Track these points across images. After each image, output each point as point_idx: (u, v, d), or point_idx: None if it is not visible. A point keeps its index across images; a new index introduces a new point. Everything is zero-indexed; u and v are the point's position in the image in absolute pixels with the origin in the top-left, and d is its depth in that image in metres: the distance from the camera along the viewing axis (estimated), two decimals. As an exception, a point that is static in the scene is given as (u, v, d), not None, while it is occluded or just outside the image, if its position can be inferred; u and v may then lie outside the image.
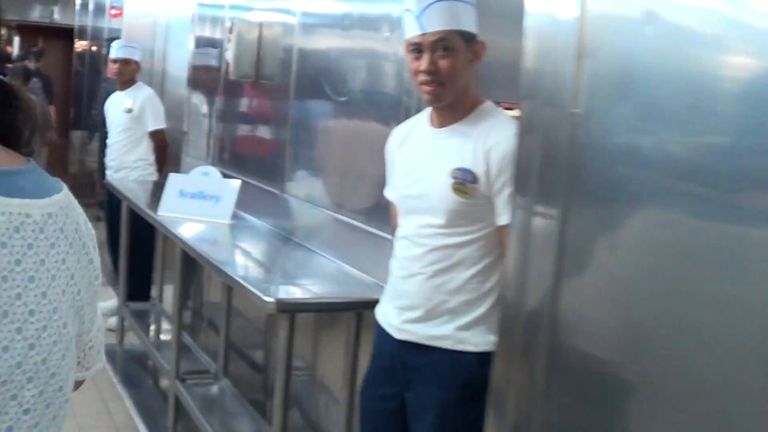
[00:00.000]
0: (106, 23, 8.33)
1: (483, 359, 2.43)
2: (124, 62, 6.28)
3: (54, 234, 1.03)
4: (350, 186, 3.76)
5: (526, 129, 1.90)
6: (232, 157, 5.17)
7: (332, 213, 3.81)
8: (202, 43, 5.87)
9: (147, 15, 7.47)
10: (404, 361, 2.67)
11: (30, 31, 13.90)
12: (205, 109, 5.78)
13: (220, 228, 4.38)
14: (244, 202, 4.50)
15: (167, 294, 5.99)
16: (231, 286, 4.41)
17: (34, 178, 1.04)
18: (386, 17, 3.48)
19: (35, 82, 10.24)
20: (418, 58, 2.54)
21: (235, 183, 4.48)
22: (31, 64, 10.41)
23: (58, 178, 1.11)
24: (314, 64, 4.13)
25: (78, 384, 1.19)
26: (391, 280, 2.76)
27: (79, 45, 10.29)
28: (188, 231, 4.30)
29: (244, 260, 3.95)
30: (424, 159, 2.66)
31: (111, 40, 7.74)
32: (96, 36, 9.10)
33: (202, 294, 5.44)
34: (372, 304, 2.90)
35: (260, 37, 4.66)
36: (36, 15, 12.23)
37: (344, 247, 3.68)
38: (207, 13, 5.79)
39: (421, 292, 2.62)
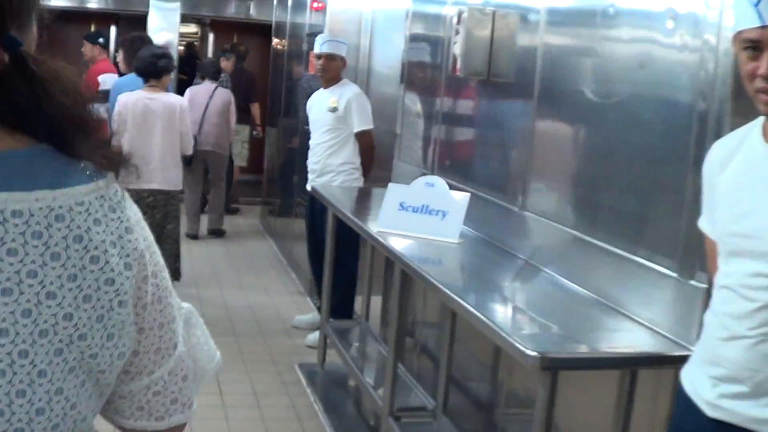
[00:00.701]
0: (307, 18, 7.95)
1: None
2: (329, 58, 5.82)
3: (17, 236, 0.85)
4: (611, 206, 3.13)
5: None
6: (456, 165, 4.60)
7: (587, 237, 3.19)
8: (419, 37, 5.33)
9: (351, 9, 7.01)
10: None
11: (224, 28, 13.86)
12: (420, 109, 5.24)
13: (446, 248, 3.82)
14: (472, 217, 3.93)
15: (374, 310, 5.51)
16: (455, 311, 3.85)
17: (25, 163, 0.89)
18: (666, 4, 2.82)
19: (224, 80, 10.01)
20: (754, 58, 1.90)
21: (464, 196, 3.91)
22: (227, 63, 10.20)
23: (91, 166, 0.98)
24: (565, 60, 3.51)
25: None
26: (706, 340, 2.14)
27: (277, 41, 10.00)
28: (411, 251, 3.77)
29: (480, 290, 3.37)
30: (758, 186, 2.02)
31: (312, 35, 7.35)
32: (295, 32, 8.74)
33: (415, 315, 4.89)
34: (649, 360, 2.36)
35: (493, 30, 4.08)
36: (231, 11, 12.07)
37: (602, 279, 3.04)
38: (426, 5, 5.24)
39: (747, 360, 1.99)
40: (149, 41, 6.98)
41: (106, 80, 8.34)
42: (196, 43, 14.01)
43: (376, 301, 5.51)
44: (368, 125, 5.77)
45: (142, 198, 5.72)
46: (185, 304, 1.23)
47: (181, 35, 12.00)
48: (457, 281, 3.59)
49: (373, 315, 5.51)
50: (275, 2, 10.01)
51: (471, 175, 4.34)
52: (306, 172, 6.09)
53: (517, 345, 2.45)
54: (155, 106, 5.90)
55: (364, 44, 6.90)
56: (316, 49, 5.87)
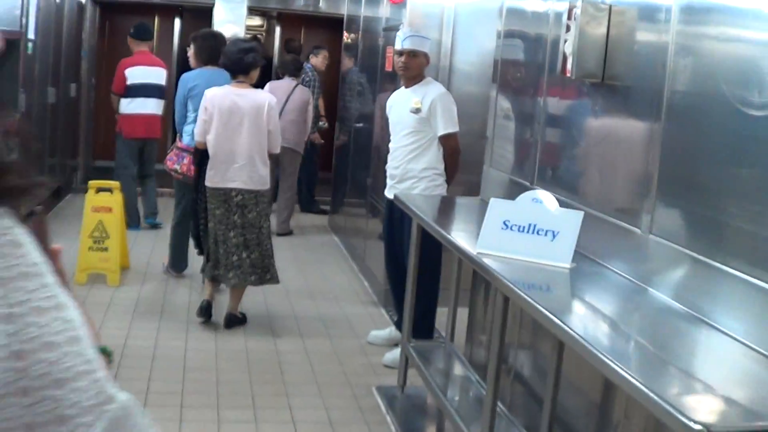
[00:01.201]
0: (384, 12, 7.52)
1: None
2: (412, 54, 5.37)
3: None
4: (761, 234, 2.65)
5: None
6: (561, 176, 4.13)
7: (729, 269, 2.72)
8: (515, 34, 4.87)
9: (433, 3, 6.57)
10: None
11: (292, 21, 13.50)
12: (516, 111, 4.79)
13: (557, 274, 3.37)
14: (583, 238, 3.46)
15: (459, 331, 5.08)
16: (562, 342, 3.39)
17: None
18: None
19: (307, 77, 9.75)
20: None
21: (577, 214, 3.45)
22: (317, 59, 9.93)
23: None
24: (706, 62, 3.03)
25: None
26: None
27: (348, 36, 9.59)
28: (517, 275, 3.32)
29: (609, 333, 2.91)
30: None
31: (389, 30, 6.94)
32: (369, 26, 8.32)
33: (515, 345, 4.42)
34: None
35: (609, 27, 3.61)
36: (299, 3, 11.67)
37: (756, 322, 2.57)
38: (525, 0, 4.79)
39: None
40: (222, 39, 6.72)
41: (132, 73, 8.47)
42: (260, 36, 13.68)
43: (461, 314, 5.07)
44: (454, 128, 5.33)
45: (230, 197, 5.63)
46: (122, 396, 0.82)
47: (247, 28, 11.65)
48: (577, 317, 3.13)
49: (457, 330, 5.09)
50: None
51: (580, 190, 3.88)
52: (378, 174, 5.65)
53: (679, 416, 2.00)
54: (242, 103, 5.65)
55: (445, 40, 6.45)
56: (398, 45, 5.44)
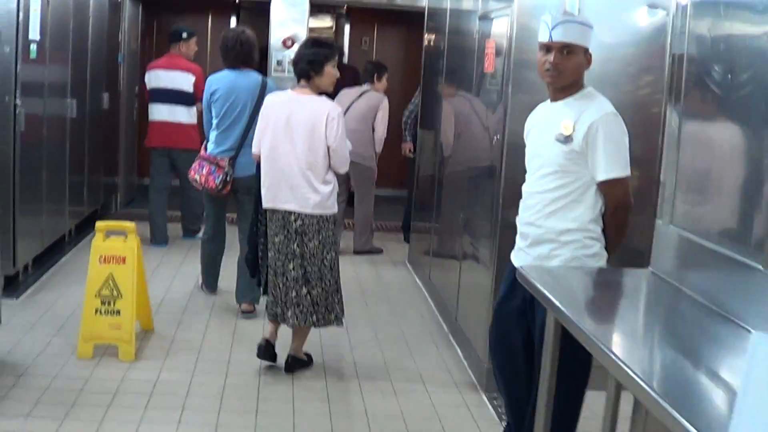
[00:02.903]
0: (479, 4, 5.76)
1: None
2: (566, 51, 3.56)
3: None
4: None
5: None
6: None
7: None
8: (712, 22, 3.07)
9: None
10: None
11: (362, 18, 11.86)
12: (717, 144, 3.00)
13: None
14: None
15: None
16: None
17: None
18: None
19: None
20: None
21: None
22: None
23: None
24: None
25: None
26: None
27: (431, 34, 7.83)
28: None
29: None
30: None
31: (487, 18, 5.22)
32: (459, 21, 6.56)
33: None
34: None
35: None
36: (371, -4, 9.92)
37: None
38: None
39: None
40: (247, 38, 6.05)
41: (150, 77, 8.00)
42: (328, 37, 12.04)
43: None
44: (622, 170, 3.53)
45: (289, 222, 4.93)
46: None
47: (311, 30, 10.04)
48: None
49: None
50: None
51: None
52: (478, 210, 3.91)
53: None
54: (300, 113, 4.90)
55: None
56: (543, 36, 3.61)
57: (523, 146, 3.85)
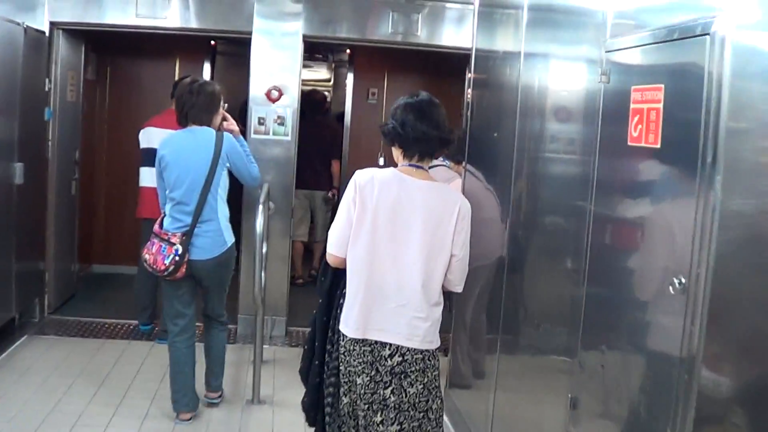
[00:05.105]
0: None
1: None
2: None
3: None
4: None
5: None
6: None
7: None
8: None
9: None
10: None
11: (370, 63, 9.65)
12: None
13: None
14: None
15: None
16: None
17: None
18: None
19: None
20: None
21: None
22: None
23: None
24: None
25: None
26: None
27: (473, 91, 5.33)
28: None
29: None
30: None
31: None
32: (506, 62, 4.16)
33: None
34: None
35: None
36: (384, 31, 7.41)
37: None
38: None
39: None
40: (199, 91, 5.14)
41: (142, 138, 6.87)
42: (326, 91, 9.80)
43: None
44: None
45: (381, 358, 3.61)
46: None
47: (304, 82, 7.72)
48: None
49: None
50: (475, 22, 5.42)
51: None
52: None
53: None
54: (418, 202, 3.57)
55: None
56: None
57: None
